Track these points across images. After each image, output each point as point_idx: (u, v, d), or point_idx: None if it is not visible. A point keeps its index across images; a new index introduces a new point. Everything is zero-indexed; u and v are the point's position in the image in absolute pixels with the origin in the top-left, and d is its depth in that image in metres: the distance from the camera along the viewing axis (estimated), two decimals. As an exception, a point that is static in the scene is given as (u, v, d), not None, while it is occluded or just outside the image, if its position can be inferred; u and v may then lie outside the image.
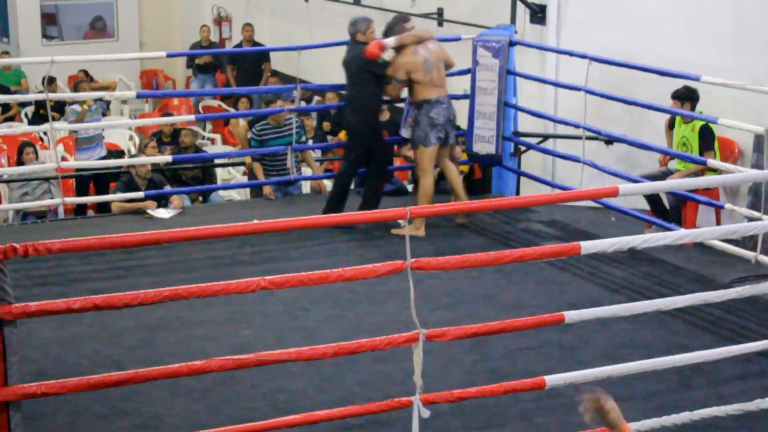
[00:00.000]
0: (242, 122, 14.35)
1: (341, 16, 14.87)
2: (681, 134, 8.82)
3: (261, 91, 15.14)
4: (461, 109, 9.61)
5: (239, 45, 16.88)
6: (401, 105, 9.82)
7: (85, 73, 16.07)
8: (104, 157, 11.46)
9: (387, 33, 9.00)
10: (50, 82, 15.24)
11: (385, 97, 9.45)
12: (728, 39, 9.27)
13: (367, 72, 8.92)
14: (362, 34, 8.95)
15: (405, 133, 9.27)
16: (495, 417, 5.74)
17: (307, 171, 10.80)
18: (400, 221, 8.65)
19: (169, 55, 11.17)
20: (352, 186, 9.54)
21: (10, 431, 4.42)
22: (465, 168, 10.60)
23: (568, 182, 9.58)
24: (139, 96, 12.20)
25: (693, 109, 8.70)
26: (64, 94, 14.36)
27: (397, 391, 5.56)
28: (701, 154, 8.57)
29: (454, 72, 9.55)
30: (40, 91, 11.91)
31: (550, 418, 5.74)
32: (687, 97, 8.71)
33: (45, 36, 19.06)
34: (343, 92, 9.89)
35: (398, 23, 9.04)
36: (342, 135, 13.52)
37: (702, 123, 8.59)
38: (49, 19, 19.12)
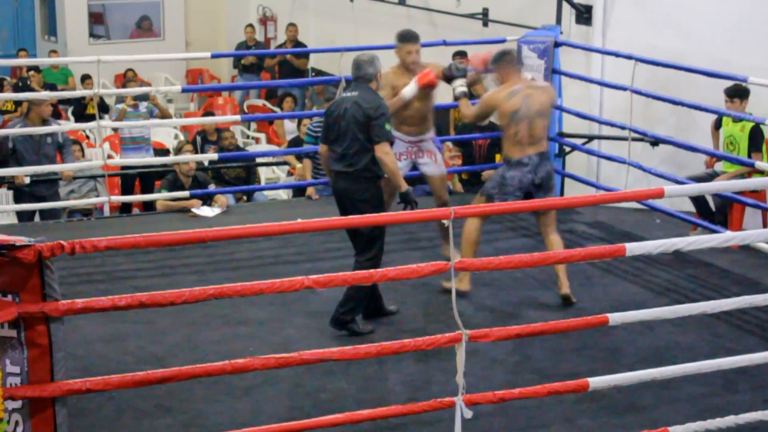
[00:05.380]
0: (288, 121, 14.46)
1: (386, 16, 14.89)
2: (729, 133, 8.71)
3: (304, 83, 15.25)
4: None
5: (283, 45, 16.99)
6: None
7: (132, 72, 16.20)
8: (150, 159, 11.55)
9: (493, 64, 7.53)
10: (85, 80, 15.43)
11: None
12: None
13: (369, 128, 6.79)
14: (375, 82, 6.95)
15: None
16: (537, 418, 5.72)
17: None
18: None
19: (214, 56, 11.24)
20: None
21: (56, 426, 4.46)
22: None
23: (612, 184, 9.52)
24: (184, 90, 12.23)
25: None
26: (108, 90, 14.48)
27: (439, 391, 5.57)
28: (749, 155, 8.48)
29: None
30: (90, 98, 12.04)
31: (592, 421, 5.71)
32: (743, 95, 8.56)
33: (92, 35, 19.27)
34: None
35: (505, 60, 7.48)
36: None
37: (752, 123, 8.48)
38: (96, 18, 19.33)
